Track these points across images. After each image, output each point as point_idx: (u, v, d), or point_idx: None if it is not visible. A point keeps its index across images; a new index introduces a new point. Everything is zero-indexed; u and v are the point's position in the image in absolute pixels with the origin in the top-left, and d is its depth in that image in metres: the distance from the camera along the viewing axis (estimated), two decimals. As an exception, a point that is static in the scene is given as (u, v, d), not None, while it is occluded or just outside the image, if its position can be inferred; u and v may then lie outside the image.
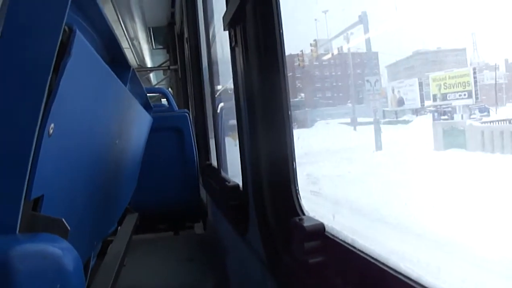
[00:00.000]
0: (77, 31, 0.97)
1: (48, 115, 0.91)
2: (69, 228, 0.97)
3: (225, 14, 2.17)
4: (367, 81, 4.60)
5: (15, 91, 0.87)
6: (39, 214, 0.98)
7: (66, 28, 0.94)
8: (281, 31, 1.82)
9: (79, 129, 1.23)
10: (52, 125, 0.94)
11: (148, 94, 3.73)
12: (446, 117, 4.20)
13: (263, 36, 1.84)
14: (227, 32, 2.20)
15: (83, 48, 1.05)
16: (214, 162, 4.33)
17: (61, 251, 0.90)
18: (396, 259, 1.06)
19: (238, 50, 2.07)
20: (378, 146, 4.99)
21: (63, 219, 0.97)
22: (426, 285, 0.92)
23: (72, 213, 1.30)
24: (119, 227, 3.47)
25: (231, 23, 2.09)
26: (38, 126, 0.89)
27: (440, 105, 4.19)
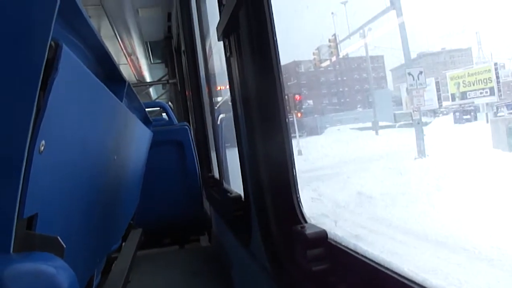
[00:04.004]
0: (65, 47, 0.95)
1: (38, 132, 0.90)
2: (64, 246, 0.95)
3: (218, 24, 2.17)
4: (409, 74, 4.28)
5: (2, 108, 0.86)
6: (34, 233, 0.96)
7: (53, 44, 0.93)
8: (275, 38, 1.82)
9: (73, 146, 1.21)
10: (43, 142, 0.92)
11: (147, 109, 3.73)
12: (468, 116, 4.06)
13: (257, 43, 1.84)
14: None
15: (71, 64, 1.04)
16: (216, 174, 4.31)
17: (55, 269, 0.88)
18: (399, 262, 1.03)
19: (233, 60, 2.06)
20: (421, 151, 4.57)
21: (58, 237, 0.95)
22: (431, 288, 0.91)
23: (70, 231, 1.29)
24: (123, 244, 3.45)
25: (225, 33, 2.08)
26: (28, 144, 0.88)
27: (460, 104, 4.04)
